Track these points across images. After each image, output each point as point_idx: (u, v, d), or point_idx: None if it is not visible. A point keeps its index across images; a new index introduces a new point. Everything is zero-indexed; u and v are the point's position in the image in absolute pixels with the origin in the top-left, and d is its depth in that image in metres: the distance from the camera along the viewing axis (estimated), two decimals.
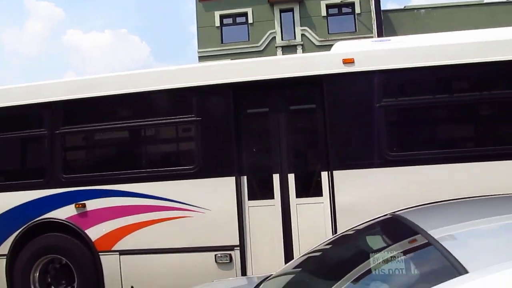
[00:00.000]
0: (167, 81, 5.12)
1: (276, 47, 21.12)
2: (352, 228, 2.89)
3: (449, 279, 1.37)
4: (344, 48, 5.36)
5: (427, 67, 4.74)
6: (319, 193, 4.91)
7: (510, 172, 4.57)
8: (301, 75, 4.92)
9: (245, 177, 5.00)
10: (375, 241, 2.58)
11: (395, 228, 2.49)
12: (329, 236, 4.76)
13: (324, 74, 4.88)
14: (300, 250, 4.83)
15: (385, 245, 2.52)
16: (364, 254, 2.28)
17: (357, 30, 21.18)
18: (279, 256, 4.87)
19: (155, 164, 5.28)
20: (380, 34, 19.09)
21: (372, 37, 19.73)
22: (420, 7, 21.56)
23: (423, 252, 1.95)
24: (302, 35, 21.45)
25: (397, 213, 2.66)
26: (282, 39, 21.58)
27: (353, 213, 4.68)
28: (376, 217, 2.77)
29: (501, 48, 4.71)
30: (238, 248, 4.87)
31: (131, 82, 5.24)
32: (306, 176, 5.10)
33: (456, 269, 1.45)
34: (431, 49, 4.85)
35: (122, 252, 5.01)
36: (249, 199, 4.97)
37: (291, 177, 4.96)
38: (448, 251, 1.65)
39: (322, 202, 4.89)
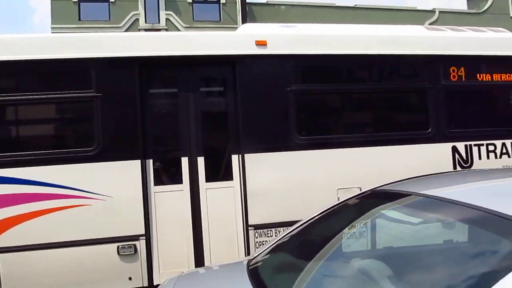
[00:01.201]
0: (61, 49, 4.42)
1: (139, 29, 20.14)
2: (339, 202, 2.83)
3: None
4: (252, 29, 5.30)
5: (336, 55, 4.92)
6: (229, 177, 4.76)
7: (407, 156, 5.04)
8: (213, 54, 4.69)
9: (151, 160, 4.59)
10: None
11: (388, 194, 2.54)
12: (239, 220, 4.69)
13: (237, 55, 4.73)
14: (210, 236, 4.65)
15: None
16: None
17: (221, 20, 21.35)
18: (188, 244, 4.61)
19: (46, 146, 4.53)
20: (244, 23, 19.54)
21: (236, 28, 20.10)
22: (281, 3, 22.58)
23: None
24: (167, 19, 20.82)
25: (378, 188, 2.67)
26: (145, 22, 20.65)
27: (264, 197, 4.68)
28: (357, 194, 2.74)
29: (400, 42, 5.14)
30: (144, 237, 4.46)
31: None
32: (216, 159, 4.88)
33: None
34: (342, 38, 5.04)
35: (1, 250, 4.20)
36: (155, 184, 4.59)
37: (200, 161, 4.72)
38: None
39: (233, 186, 4.76)
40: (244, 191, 4.69)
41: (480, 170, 4.09)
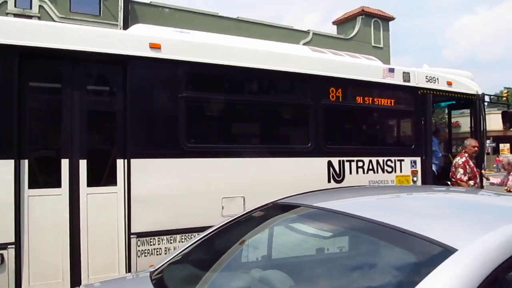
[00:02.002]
0: None
1: (7, 13, 18.16)
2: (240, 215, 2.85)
3: None
4: (145, 31, 5.15)
5: (229, 66, 5.01)
6: (113, 182, 4.54)
7: (288, 167, 5.32)
8: (103, 52, 4.45)
9: (27, 160, 4.18)
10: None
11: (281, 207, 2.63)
12: (121, 227, 4.50)
13: (129, 55, 4.55)
14: (89, 244, 4.38)
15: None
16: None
17: (101, 15, 20.28)
18: (64, 254, 4.27)
19: None
20: (125, 24, 18.85)
21: (117, 25, 19.30)
22: (165, 5, 22.24)
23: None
24: (40, 6, 19.13)
25: (279, 201, 2.76)
26: (15, 6, 18.71)
27: (149, 204, 4.56)
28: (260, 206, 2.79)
29: (290, 60, 5.44)
30: (13, 246, 4.02)
31: None
32: (100, 163, 4.59)
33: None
34: (236, 50, 5.15)
35: None
36: (30, 187, 4.18)
37: (82, 164, 4.41)
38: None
39: (116, 192, 4.54)
40: (128, 198, 4.51)
41: (365, 187, 4.50)
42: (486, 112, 7.61)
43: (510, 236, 1.63)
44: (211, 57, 4.93)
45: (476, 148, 7.23)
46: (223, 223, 2.69)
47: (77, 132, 4.42)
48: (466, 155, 7.23)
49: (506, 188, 7.64)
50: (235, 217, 2.78)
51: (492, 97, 8.77)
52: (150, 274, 2.30)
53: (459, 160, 7.26)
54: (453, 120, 9.63)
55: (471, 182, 7.11)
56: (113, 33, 5.05)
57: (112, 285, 2.32)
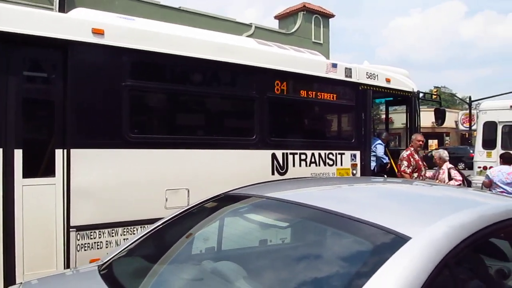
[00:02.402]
0: None
1: None
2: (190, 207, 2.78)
3: None
4: (88, 15, 4.93)
5: (175, 56, 4.91)
6: (51, 173, 4.32)
7: (233, 159, 5.31)
8: (42, 35, 4.20)
9: None
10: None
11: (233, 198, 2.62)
12: (60, 220, 4.30)
13: (70, 40, 4.33)
14: (25, 238, 4.14)
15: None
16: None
17: None
18: None
19: None
20: (62, 9, 17.93)
21: (52, 9, 18.33)
22: None
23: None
24: None
25: (230, 192, 2.73)
26: None
27: (89, 196, 4.40)
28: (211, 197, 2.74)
29: (237, 52, 5.41)
30: None
31: None
32: (37, 153, 4.34)
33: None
34: (183, 39, 5.05)
35: None
36: None
37: (18, 153, 4.14)
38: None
39: (55, 184, 4.33)
40: (67, 189, 4.31)
41: (311, 178, 4.59)
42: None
43: (458, 224, 1.73)
44: (156, 45, 4.81)
45: (421, 142, 7.61)
46: (174, 215, 2.64)
47: (13, 120, 4.15)
48: (412, 148, 7.54)
49: (437, 181, 8.09)
50: (186, 208, 2.74)
51: (426, 94, 9.25)
52: (98, 268, 2.21)
53: (404, 153, 7.59)
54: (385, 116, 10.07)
55: (415, 175, 7.42)
56: (53, 15, 4.80)
57: (57, 282, 2.20)
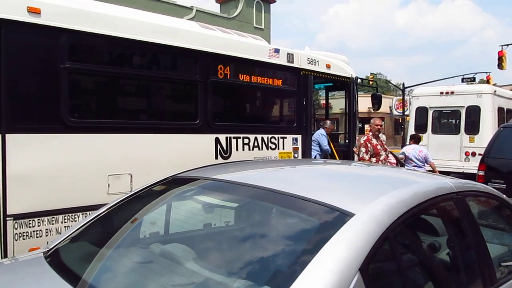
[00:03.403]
0: None
1: None
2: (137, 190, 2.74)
3: None
4: None
5: (116, 38, 4.78)
6: None
7: (176, 144, 5.30)
8: None
9: None
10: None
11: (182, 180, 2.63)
12: None
13: (3, 19, 4.10)
14: None
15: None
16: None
17: None
18: None
19: None
20: None
21: None
22: None
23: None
24: None
25: (179, 174, 2.73)
26: None
27: (27, 183, 4.24)
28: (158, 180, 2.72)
29: (179, 35, 5.36)
30: None
31: None
32: None
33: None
34: (124, 21, 4.92)
35: None
36: None
37: None
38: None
39: None
40: (3, 176, 4.12)
41: (255, 161, 4.66)
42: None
43: (396, 200, 1.87)
44: (98, 26, 4.65)
45: (379, 126, 7.82)
46: (121, 199, 2.62)
47: None
48: (370, 133, 7.73)
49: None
50: (133, 192, 2.73)
51: (364, 80, 9.60)
52: (43, 255, 2.16)
53: (361, 139, 7.76)
54: (325, 101, 10.38)
55: (374, 160, 7.52)
56: None
57: (2, 270, 2.13)
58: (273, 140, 6.57)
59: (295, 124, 6.98)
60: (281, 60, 6.61)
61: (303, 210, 1.96)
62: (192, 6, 24.97)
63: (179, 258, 2.11)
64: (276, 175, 2.74)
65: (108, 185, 4.74)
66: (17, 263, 2.30)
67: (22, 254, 3.50)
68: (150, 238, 2.50)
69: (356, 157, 8.22)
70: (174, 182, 2.67)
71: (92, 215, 2.53)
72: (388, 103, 39.04)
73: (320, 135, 8.46)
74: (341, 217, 1.72)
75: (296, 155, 6.92)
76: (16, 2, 4.21)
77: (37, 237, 4.29)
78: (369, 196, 1.98)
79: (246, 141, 6.21)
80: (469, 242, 2.37)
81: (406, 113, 27.70)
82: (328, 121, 8.96)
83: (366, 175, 2.91)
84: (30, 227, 4.27)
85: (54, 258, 2.11)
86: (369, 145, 7.60)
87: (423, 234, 2.54)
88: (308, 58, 7.06)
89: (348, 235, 1.63)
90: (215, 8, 28.98)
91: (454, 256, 2.37)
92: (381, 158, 7.63)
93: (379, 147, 7.68)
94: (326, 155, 8.44)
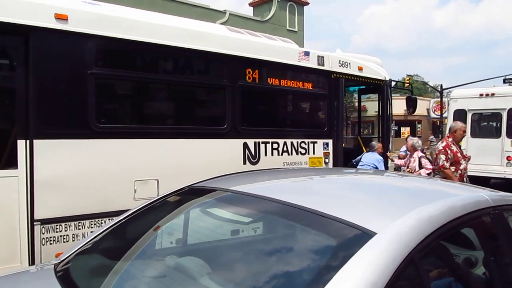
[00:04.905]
0: None
1: None
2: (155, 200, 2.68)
3: None
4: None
5: (145, 43, 4.77)
6: (13, 164, 4.15)
7: (204, 149, 5.24)
8: (2, 20, 4.00)
9: None
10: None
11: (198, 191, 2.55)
12: (23, 213, 4.15)
13: (32, 26, 4.14)
14: None
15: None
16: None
17: None
18: None
19: None
20: None
21: None
22: None
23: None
24: None
25: (195, 184, 2.64)
26: None
27: (55, 188, 4.26)
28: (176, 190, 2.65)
29: (208, 39, 5.30)
30: None
31: None
32: None
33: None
34: (153, 26, 4.91)
35: None
36: None
37: None
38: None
39: (17, 176, 4.16)
40: (31, 182, 4.15)
41: (279, 169, 4.54)
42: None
43: (423, 218, 1.70)
44: (124, 32, 4.65)
45: (465, 134, 7.10)
46: (136, 209, 2.55)
47: None
48: (450, 139, 6.85)
49: (408, 169, 8.17)
50: (149, 202, 2.65)
51: (398, 83, 9.30)
52: (54, 266, 2.11)
53: (439, 145, 6.94)
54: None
55: (453, 168, 6.66)
56: (15, 0, 4.56)
57: (9, 281, 2.08)
58: (303, 144, 6.42)
59: (326, 128, 6.81)
60: (311, 63, 6.46)
61: (321, 228, 1.82)
62: (225, 10, 25.09)
63: (193, 272, 2.01)
64: (296, 187, 2.61)
65: (135, 190, 4.72)
66: (28, 274, 2.26)
67: (46, 261, 3.50)
68: (164, 250, 2.41)
69: (390, 162, 7.90)
70: (190, 193, 2.58)
71: (105, 225, 2.47)
72: (425, 105, 38.08)
73: (378, 161, 7.84)
74: (361, 236, 1.58)
75: (327, 160, 6.75)
76: (44, 9, 4.25)
77: (64, 242, 4.31)
78: (395, 212, 1.82)
79: (275, 146, 6.09)
80: (509, 264, 2.16)
81: (444, 115, 26.91)
82: (374, 142, 8.37)
83: (396, 186, 2.73)
84: (57, 232, 4.29)
85: (64, 272, 2.05)
86: (449, 151, 6.66)
87: (458, 247, 2.35)
88: (339, 61, 6.88)
89: (368, 257, 1.49)
90: (249, 11, 29.02)
91: (490, 280, 2.16)
92: (461, 167, 6.74)
93: (459, 154, 6.77)
94: None
